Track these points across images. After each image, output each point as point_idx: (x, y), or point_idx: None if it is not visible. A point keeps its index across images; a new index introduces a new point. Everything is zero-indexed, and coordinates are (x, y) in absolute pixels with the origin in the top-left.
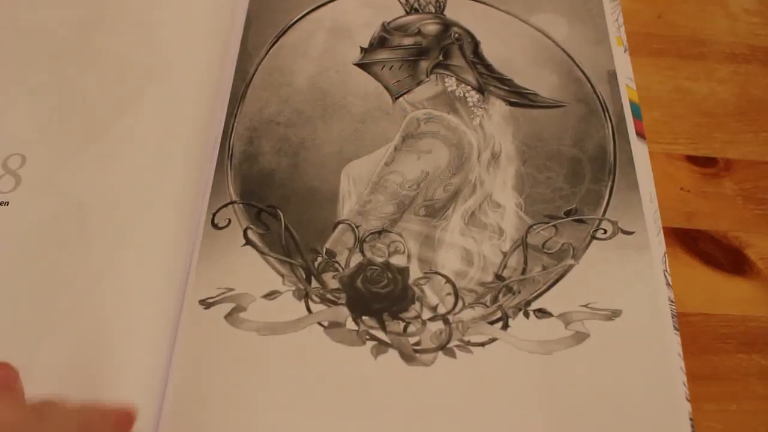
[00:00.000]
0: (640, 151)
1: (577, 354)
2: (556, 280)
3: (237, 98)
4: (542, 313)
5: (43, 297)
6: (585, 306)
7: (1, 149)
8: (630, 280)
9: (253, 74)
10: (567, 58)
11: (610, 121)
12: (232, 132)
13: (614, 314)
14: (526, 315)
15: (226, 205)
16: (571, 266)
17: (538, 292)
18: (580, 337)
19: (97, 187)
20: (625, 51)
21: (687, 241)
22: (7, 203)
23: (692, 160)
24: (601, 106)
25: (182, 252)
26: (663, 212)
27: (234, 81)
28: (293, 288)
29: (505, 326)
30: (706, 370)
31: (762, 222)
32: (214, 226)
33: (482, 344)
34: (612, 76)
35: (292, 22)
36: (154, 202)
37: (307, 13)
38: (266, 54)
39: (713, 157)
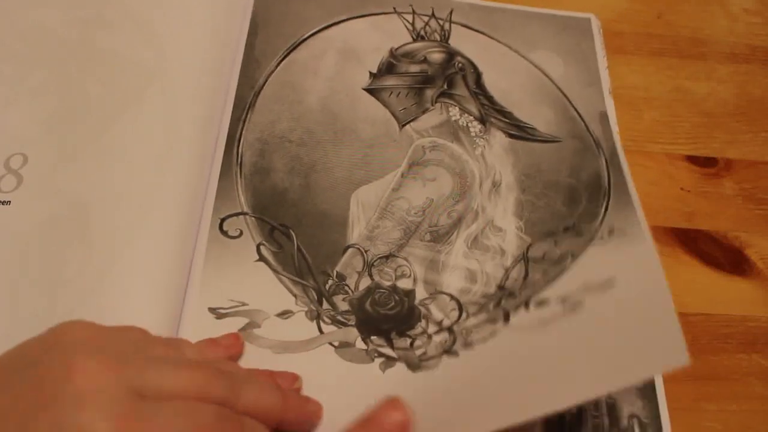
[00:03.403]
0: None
1: (572, 323)
2: (556, 277)
3: (245, 104)
4: (542, 303)
5: (43, 297)
6: (581, 284)
7: (3, 149)
8: (625, 262)
9: (263, 84)
10: (562, 96)
11: (604, 156)
12: (240, 138)
13: (608, 284)
14: (527, 307)
15: (236, 215)
16: (570, 265)
17: (539, 290)
18: (575, 306)
19: (99, 186)
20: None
21: (687, 241)
22: (9, 203)
23: (692, 160)
24: (595, 143)
25: (183, 252)
26: (663, 212)
27: (241, 85)
28: (305, 309)
29: (506, 321)
30: (706, 370)
31: (762, 222)
32: (224, 233)
33: (483, 339)
34: (604, 117)
35: (303, 38)
36: (155, 201)
37: (318, 31)
38: (277, 66)
39: (713, 157)
